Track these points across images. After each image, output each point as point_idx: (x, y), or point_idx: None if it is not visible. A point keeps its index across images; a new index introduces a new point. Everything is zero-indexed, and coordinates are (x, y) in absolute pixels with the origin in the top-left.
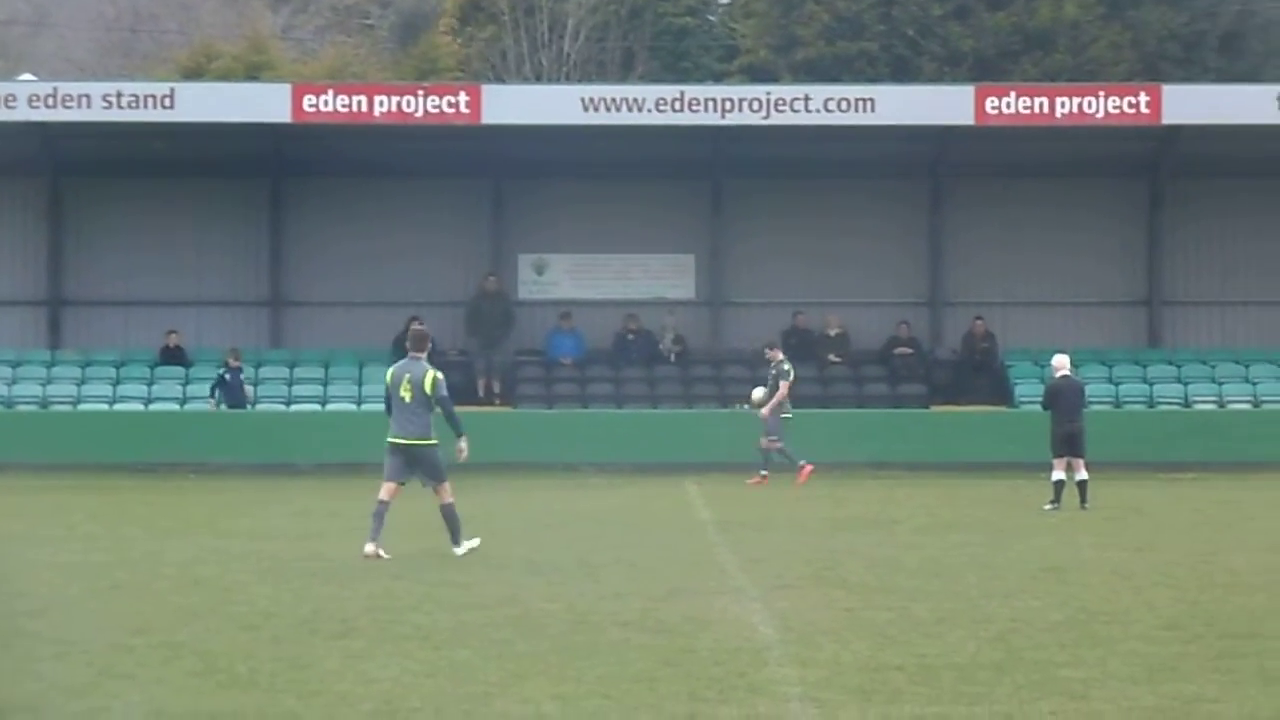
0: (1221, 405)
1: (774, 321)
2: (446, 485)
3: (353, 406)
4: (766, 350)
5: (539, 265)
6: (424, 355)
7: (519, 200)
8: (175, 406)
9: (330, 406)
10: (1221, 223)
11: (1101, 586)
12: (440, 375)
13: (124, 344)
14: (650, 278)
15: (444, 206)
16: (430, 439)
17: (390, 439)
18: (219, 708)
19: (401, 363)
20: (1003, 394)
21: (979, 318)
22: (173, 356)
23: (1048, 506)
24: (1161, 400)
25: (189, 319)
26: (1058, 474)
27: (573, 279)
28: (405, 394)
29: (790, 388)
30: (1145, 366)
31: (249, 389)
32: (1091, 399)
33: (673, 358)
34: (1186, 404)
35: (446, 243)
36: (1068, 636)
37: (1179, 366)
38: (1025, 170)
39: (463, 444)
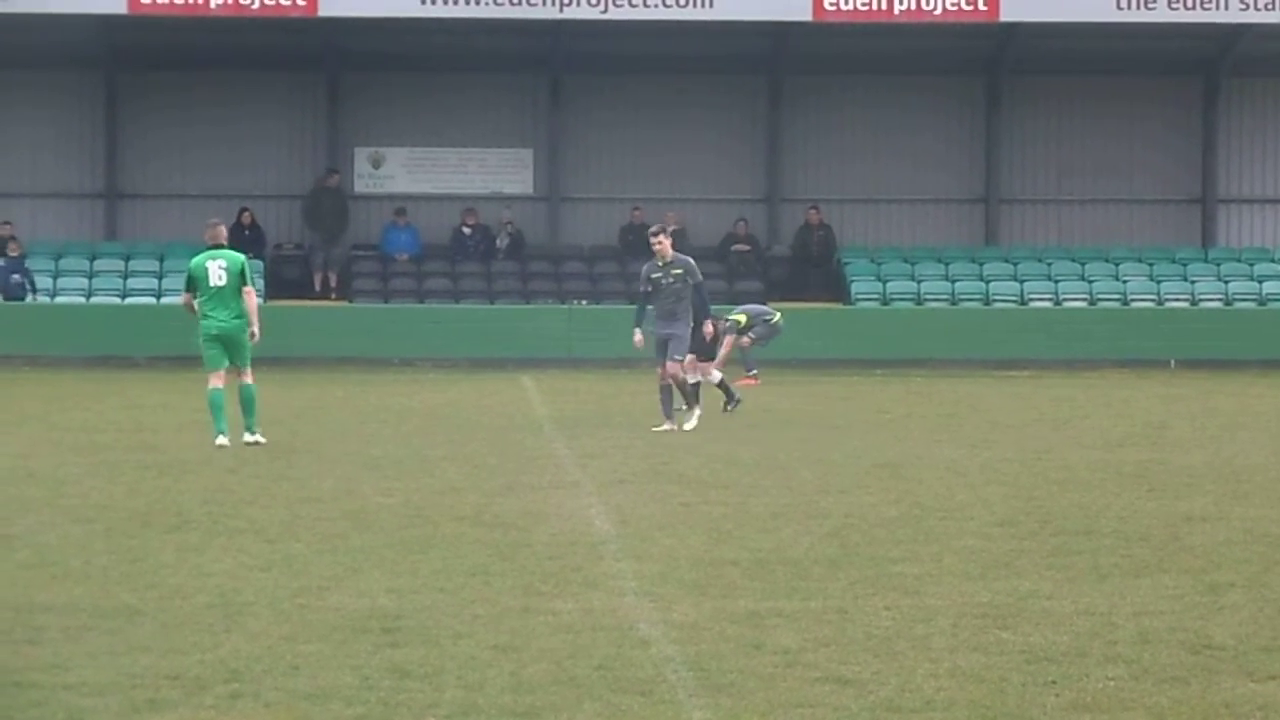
0: (1057, 303)
1: (612, 218)
2: None
3: None
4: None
5: (375, 159)
6: None
7: (356, 93)
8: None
9: (165, 300)
10: (1059, 121)
11: (936, 483)
12: None
13: None
14: (487, 172)
15: (280, 99)
16: None
17: None
18: (53, 600)
19: None
20: (839, 291)
21: (814, 207)
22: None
23: (729, 408)
24: (997, 298)
25: (23, 211)
26: (715, 374)
27: (409, 173)
28: None
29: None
30: (981, 264)
31: (15, 278)
32: (928, 296)
33: (502, 244)
34: (1022, 302)
35: (283, 136)
36: (902, 532)
37: (1015, 264)
38: (863, 67)
39: None
